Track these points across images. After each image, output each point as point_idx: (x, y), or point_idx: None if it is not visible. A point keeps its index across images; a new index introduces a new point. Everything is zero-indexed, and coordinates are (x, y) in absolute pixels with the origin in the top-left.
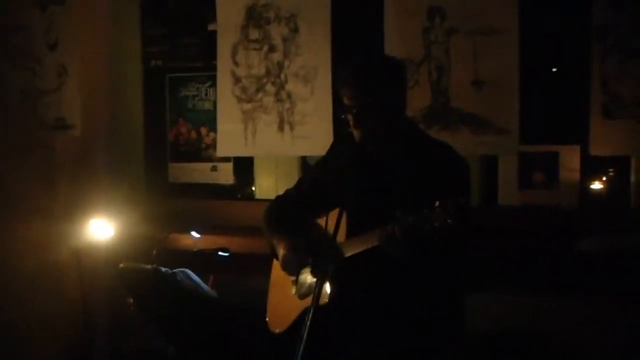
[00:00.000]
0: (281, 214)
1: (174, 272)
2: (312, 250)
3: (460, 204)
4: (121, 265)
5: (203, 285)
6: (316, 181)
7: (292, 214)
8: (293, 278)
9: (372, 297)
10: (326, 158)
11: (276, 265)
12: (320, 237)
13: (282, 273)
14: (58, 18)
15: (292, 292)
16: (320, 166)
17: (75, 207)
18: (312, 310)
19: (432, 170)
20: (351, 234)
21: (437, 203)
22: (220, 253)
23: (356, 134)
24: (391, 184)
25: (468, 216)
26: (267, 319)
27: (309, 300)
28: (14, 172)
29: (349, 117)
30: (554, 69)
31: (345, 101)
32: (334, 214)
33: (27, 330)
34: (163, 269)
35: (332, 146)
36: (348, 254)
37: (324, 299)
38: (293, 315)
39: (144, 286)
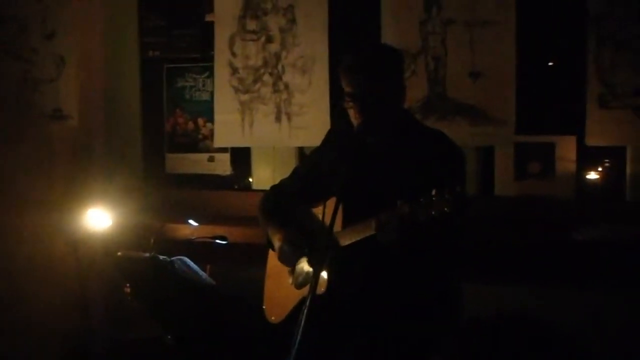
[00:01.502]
0: (277, 204)
1: (172, 260)
2: (309, 240)
3: (457, 192)
4: (119, 253)
5: (201, 272)
6: (312, 170)
7: (287, 204)
8: (289, 268)
9: (368, 285)
10: (321, 147)
11: (272, 255)
12: (317, 226)
13: (278, 263)
14: (54, 8)
15: (288, 282)
16: (315, 155)
17: (72, 197)
18: (309, 300)
19: (428, 159)
20: (347, 223)
21: (434, 191)
22: (218, 241)
23: (355, 123)
24: (387, 173)
25: (465, 204)
26: (264, 308)
27: (305, 290)
28: (12, 162)
29: (349, 106)
30: (550, 60)
31: (345, 90)
32: (330, 203)
33: (25, 320)
34: (161, 257)
35: (327, 135)
36: (344, 243)
37: (321, 288)
38: (290, 304)
39: (141, 274)
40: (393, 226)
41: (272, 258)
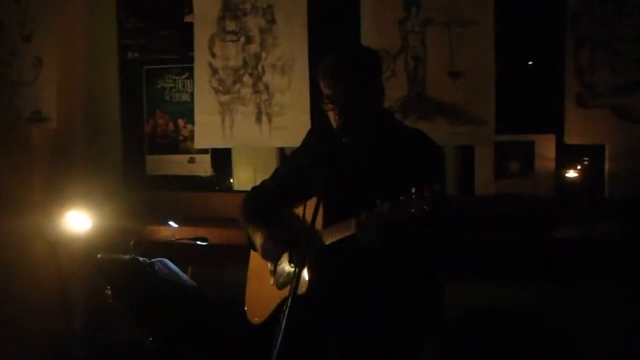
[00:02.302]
0: (258, 204)
1: (152, 262)
2: (290, 240)
3: (436, 190)
4: (99, 255)
5: (181, 274)
6: (292, 171)
7: (269, 204)
8: (271, 268)
9: (349, 285)
10: (301, 148)
11: (254, 256)
12: (298, 226)
13: (259, 264)
14: (32, 10)
15: (270, 283)
16: (295, 156)
17: (52, 200)
18: (290, 300)
19: (408, 157)
20: (328, 223)
21: (413, 190)
22: (198, 242)
23: (335, 124)
24: (368, 173)
25: (444, 202)
26: (245, 309)
27: (287, 291)
28: None
29: (328, 108)
30: (529, 60)
31: (325, 92)
32: (311, 204)
33: (5, 322)
34: (141, 259)
35: (307, 136)
36: (327, 242)
37: (302, 289)
38: (271, 305)
39: (122, 276)
40: (373, 226)
41: (254, 259)
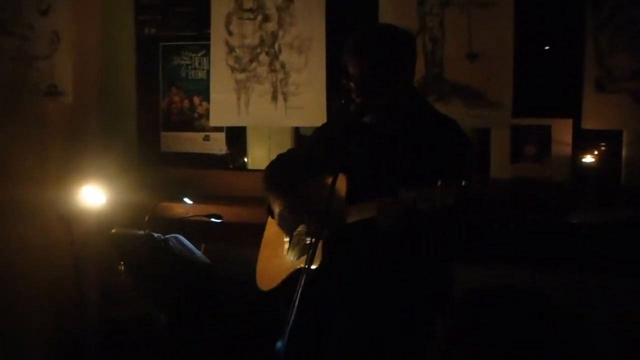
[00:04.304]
0: (282, 172)
1: (167, 238)
2: (310, 211)
3: (463, 187)
4: (113, 230)
5: (196, 250)
6: (318, 142)
7: (292, 173)
8: (286, 238)
9: (362, 263)
10: (325, 125)
11: (269, 224)
12: (320, 198)
13: (275, 232)
14: None
15: (283, 252)
16: (323, 128)
17: (67, 174)
18: (305, 272)
19: (436, 146)
20: (352, 200)
21: (439, 183)
22: (213, 219)
23: (359, 102)
24: (394, 155)
25: (469, 199)
26: (256, 275)
27: (299, 262)
28: (6, 139)
29: (349, 86)
30: (547, 43)
31: (350, 70)
32: (341, 179)
33: (17, 298)
34: (155, 235)
35: (335, 109)
36: (348, 219)
37: (315, 263)
38: (282, 275)
39: (136, 252)
40: (394, 212)
41: (270, 227)
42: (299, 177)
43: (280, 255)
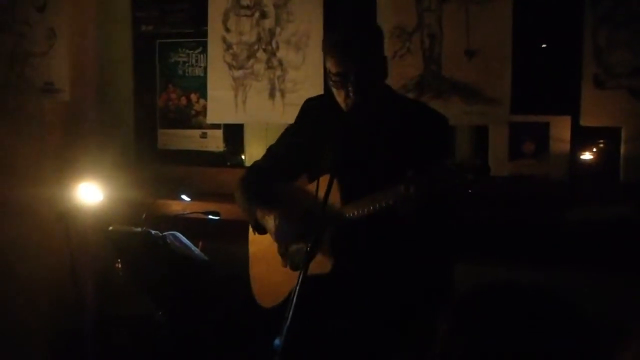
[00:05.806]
0: (260, 183)
1: (164, 235)
2: (307, 216)
3: (478, 163)
4: (111, 227)
5: (193, 248)
6: (291, 146)
7: (270, 183)
8: (281, 251)
9: (372, 261)
10: (300, 122)
11: (255, 240)
12: (312, 203)
13: (262, 249)
14: None
15: (283, 266)
16: (293, 131)
17: (63, 171)
18: (301, 275)
19: (417, 129)
20: (345, 197)
21: (449, 162)
22: (210, 217)
23: (344, 102)
24: (380, 146)
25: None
26: (255, 296)
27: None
28: (2, 136)
29: (337, 86)
30: (545, 40)
31: (334, 70)
32: (324, 180)
33: (14, 296)
34: (153, 232)
35: (305, 110)
36: (350, 214)
37: (327, 267)
38: (286, 288)
39: (133, 249)
40: (412, 196)
41: (254, 244)
42: (278, 186)
43: (278, 270)
